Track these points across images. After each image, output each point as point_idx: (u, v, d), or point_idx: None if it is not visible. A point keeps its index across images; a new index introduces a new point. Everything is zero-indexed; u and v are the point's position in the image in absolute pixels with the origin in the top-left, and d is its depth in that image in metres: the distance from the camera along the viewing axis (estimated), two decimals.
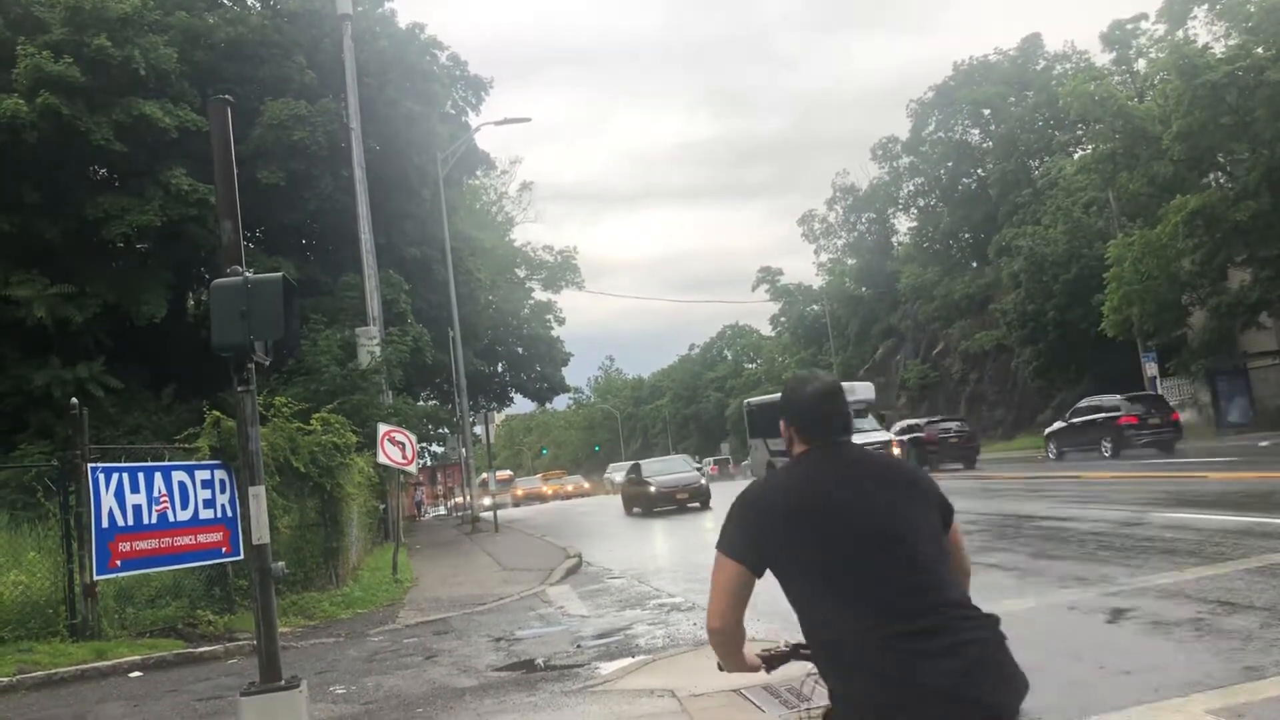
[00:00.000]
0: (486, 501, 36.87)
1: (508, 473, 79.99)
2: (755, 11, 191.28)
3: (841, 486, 3.01)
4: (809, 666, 3.33)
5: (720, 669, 3.33)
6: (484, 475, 42.70)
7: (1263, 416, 33.61)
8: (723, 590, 3.12)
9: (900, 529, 2.96)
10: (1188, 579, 9.79)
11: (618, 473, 53.32)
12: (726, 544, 3.09)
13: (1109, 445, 30.19)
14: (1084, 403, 32.01)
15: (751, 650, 3.35)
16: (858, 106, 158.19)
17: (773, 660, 3.44)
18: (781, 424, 3.25)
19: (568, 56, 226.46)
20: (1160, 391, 37.52)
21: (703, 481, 30.85)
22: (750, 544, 3.05)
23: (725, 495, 26.61)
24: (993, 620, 2.98)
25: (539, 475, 76.42)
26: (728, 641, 3.24)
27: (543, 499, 60.85)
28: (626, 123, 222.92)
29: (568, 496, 63.33)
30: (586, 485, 72.88)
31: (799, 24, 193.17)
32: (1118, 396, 32.18)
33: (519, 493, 62.16)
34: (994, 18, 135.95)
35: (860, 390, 33.81)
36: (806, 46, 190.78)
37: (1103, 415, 31.33)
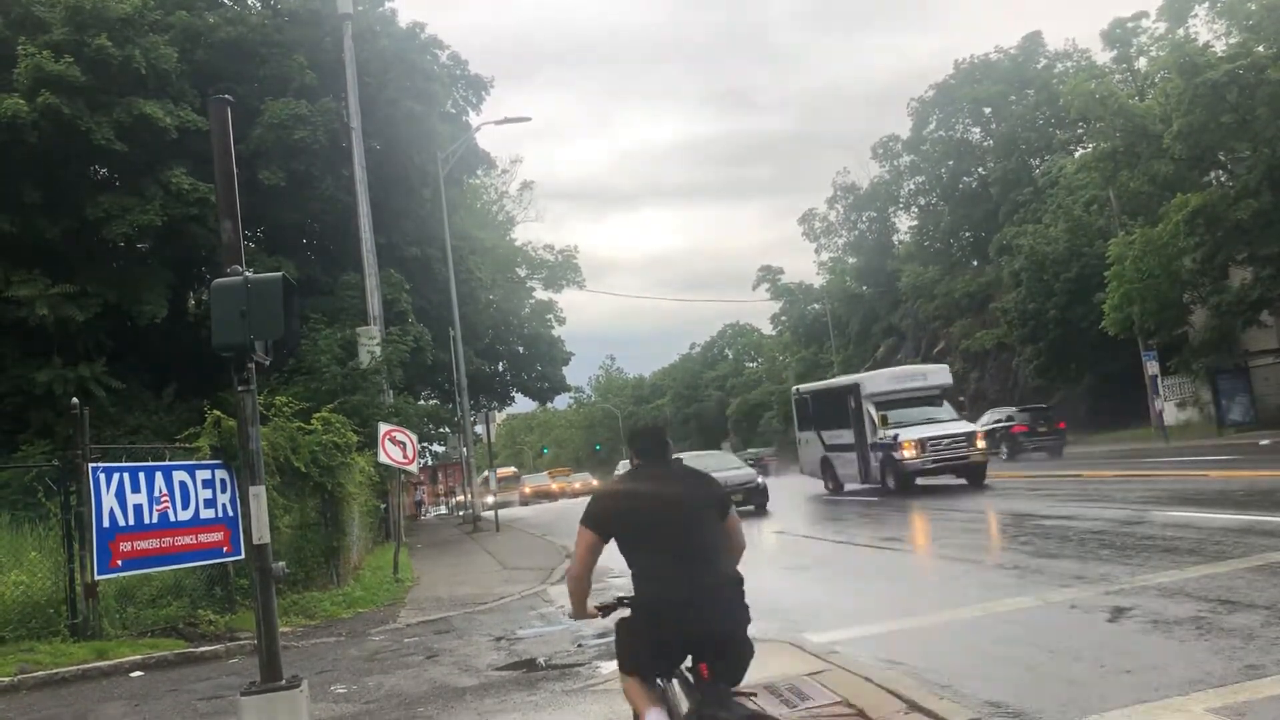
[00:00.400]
0: (489, 500, 36.38)
1: (511, 469, 78.10)
2: (759, 8, 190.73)
3: (652, 489, 4.83)
4: (808, 666, 3.57)
5: (570, 617, 4.99)
6: (484, 474, 42.56)
7: (1264, 415, 33.58)
8: (582, 551, 4.95)
9: (684, 517, 4.74)
10: (1188, 577, 9.79)
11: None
12: (588, 518, 4.89)
13: (1005, 449, 34.88)
14: (988, 414, 34.68)
15: (591, 603, 5.17)
16: (862, 104, 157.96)
17: (605, 609, 5.06)
18: (625, 447, 5.18)
19: (570, 55, 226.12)
20: (1161, 391, 37.51)
21: (760, 480, 26.04)
22: (600, 521, 4.87)
23: None
24: (736, 578, 4.80)
25: (545, 472, 74.65)
26: (579, 590, 5.13)
27: (551, 496, 59.55)
28: (629, 121, 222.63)
29: (575, 494, 60.97)
30: (595, 482, 70.54)
31: (802, 21, 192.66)
32: (1014, 408, 39.53)
33: (526, 490, 60.63)
34: (1001, 14, 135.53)
35: (934, 375, 28.35)
36: (810, 44, 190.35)
37: (1000, 424, 36.61)
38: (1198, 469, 21.76)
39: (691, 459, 28.97)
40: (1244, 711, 5.82)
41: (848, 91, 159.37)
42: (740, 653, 4.74)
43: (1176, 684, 6.43)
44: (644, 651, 4.73)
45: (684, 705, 4.77)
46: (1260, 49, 28.61)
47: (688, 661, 4.74)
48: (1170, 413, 38.58)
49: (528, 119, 48.23)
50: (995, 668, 7.54)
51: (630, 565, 4.83)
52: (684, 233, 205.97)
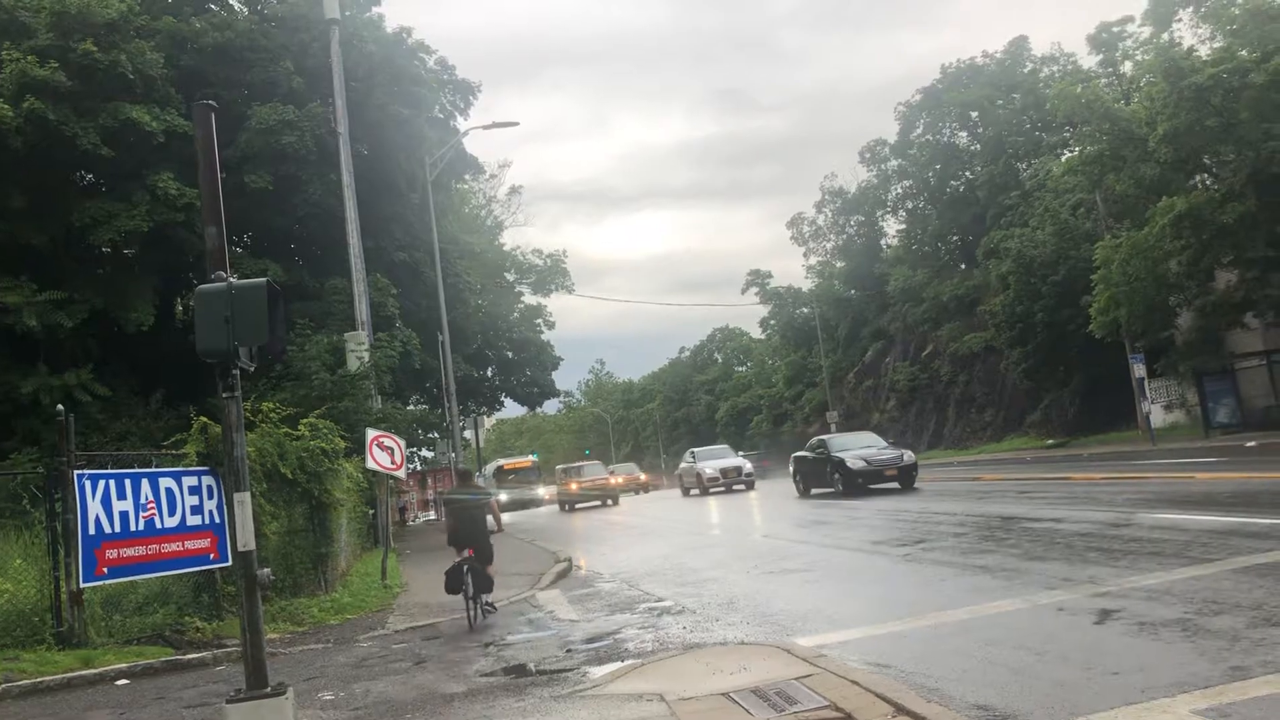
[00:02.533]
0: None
1: (528, 459, 63.17)
2: (760, 8, 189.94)
3: (460, 495, 13.58)
4: (796, 670, 3.58)
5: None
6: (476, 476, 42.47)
7: (1250, 417, 33.73)
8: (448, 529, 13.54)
9: (466, 510, 13.13)
10: (1175, 579, 9.82)
11: (707, 461, 43.29)
12: (444, 502, 15.45)
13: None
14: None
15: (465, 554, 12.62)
16: (863, 104, 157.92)
17: (451, 571, 12.69)
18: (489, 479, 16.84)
19: (572, 56, 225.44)
20: (1148, 393, 37.63)
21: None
22: (446, 505, 14.12)
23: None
24: (483, 528, 13.11)
25: (595, 461, 55.64)
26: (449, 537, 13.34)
27: (608, 496, 43.33)
28: (629, 122, 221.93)
29: (638, 490, 52.56)
30: (643, 477, 58.37)
31: (805, 21, 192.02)
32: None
33: (574, 487, 44.03)
34: (1003, 13, 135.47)
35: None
36: (812, 44, 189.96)
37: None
38: (1184, 471, 21.84)
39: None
40: (1229, 713, 5.84)
41: (849, 92, 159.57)
42: (482, 547, 12.77)
43: (1163, 686, 6.46)
44: (454, 546, 12.86)
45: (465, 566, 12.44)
46: (1244, 53, 28.76)
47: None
48: (1157, 415, 38.74)
49: (515, 123, 48.79)
50: (983, 670, 7.55)
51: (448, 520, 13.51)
52: (683, 234, 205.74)
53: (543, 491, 54.28)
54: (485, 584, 12.52)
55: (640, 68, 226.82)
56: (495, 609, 13.00)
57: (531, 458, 65.47)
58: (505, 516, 45.11)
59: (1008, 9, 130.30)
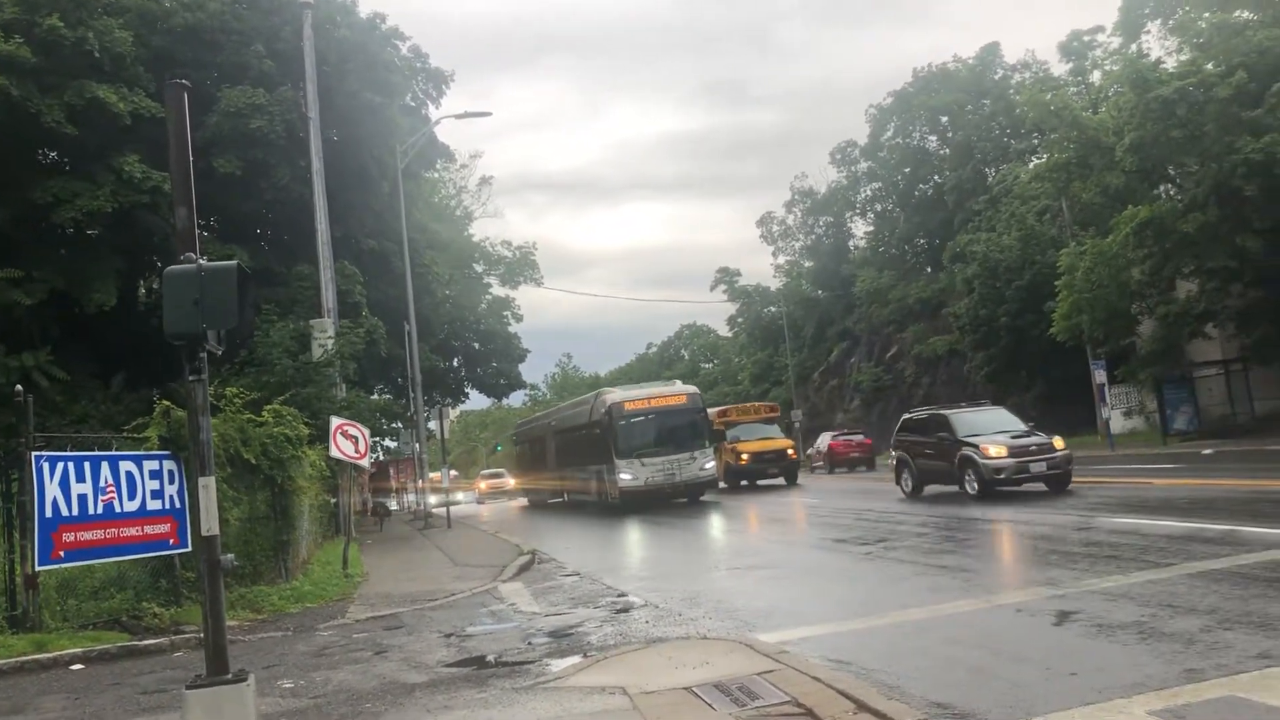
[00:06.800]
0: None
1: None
2: (762, 2, 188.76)
3: None
4: (759, 666, 3.55)
5: None
6: (435, 474, 41.83)
7: (1207, 425, 34.22)
8: None
9: None
10: (1132, 583, 9.96)
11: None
12: None
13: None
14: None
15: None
16: (856, 102, 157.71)
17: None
18: None
19: (569, 43, 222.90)
20: (1108, 399, 38.07)
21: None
22: None
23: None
24: None
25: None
26: None
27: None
28: (618, 112, 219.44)
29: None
30: (511, 483, 55.38)
31: (803, 15, 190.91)
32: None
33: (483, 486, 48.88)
34: (998, 12, 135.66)
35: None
36: (808, 38, 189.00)
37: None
38: (1142, 477, 22.14)
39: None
40: (1184, 714, 5.94)
41: (842, 88, 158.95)
42: None
43: (1119, 687, 6.55)
44: None
45: None
46: (1209, 66, 29.15)
47: None
48: (1117, 421, 39.21)
49: (488, 113, 47.72)
50: (943, 669, 7.62)
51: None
52: (666, 228, 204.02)
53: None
54: None
55: (637, 57, 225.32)
56: None
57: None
58: (466, 509, 45.16)
59: (1006, 10, 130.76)
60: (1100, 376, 37.42)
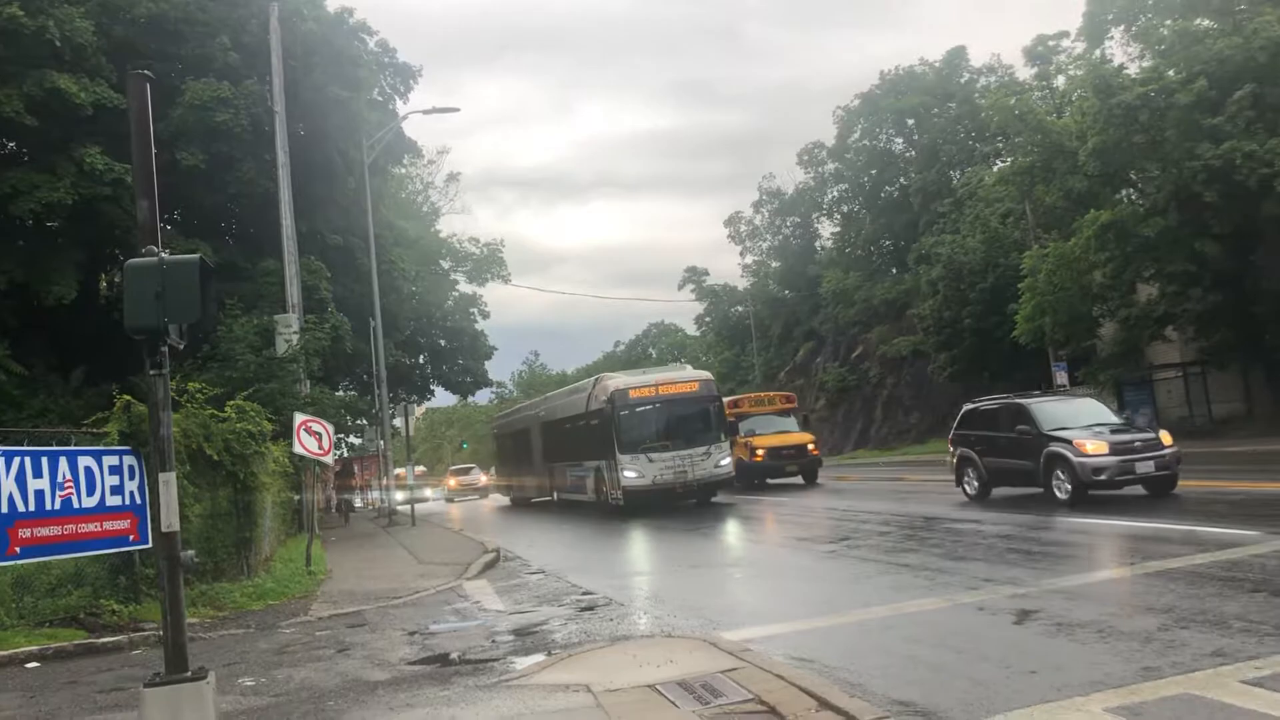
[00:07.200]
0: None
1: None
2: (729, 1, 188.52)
3: None
4: (722, 664, 3.52)
5: None
6: (400, 470, 41.51)
7: (1166, 427, 34.54)
8: None
9: None
10: (1091, 582, 10.09)
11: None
12: None
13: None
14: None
15: None
16: (824, 103, 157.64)
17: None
18: None
19: (539, 40, 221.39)
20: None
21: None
22: None
23: None
24: None
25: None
26: None
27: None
28: (588, 110, 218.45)
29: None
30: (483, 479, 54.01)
31: (773, 16, 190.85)
32: None
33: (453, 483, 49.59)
34: (968, 15, 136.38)
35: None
36: (778, 39, 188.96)
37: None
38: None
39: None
40: (1140, 711, 6.03)
41: (812, 89, 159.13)
42: None
43: (1078, 685, 6.63)
44: None
45: None
46: (1171, 73, 29.52)
47: None
48: None
49: (456, 109, 48.32)
50: (904, 667, 7.68)
51: None
52: (634, 226, 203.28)
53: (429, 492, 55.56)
54: None
55: (606, 54, 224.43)
56: None
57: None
58: (431, 507, 44.72)
59: (974, 14, 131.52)
60: (1062, 378, 37.83)
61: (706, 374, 28.62)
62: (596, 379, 28.97)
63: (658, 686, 7.32)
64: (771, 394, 39.58)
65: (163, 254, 6.29)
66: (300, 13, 30.89)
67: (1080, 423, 17.84)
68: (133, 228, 6.56)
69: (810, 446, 32.24)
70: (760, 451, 31.33)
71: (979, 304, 44.55)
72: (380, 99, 37.42)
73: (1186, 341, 35.51)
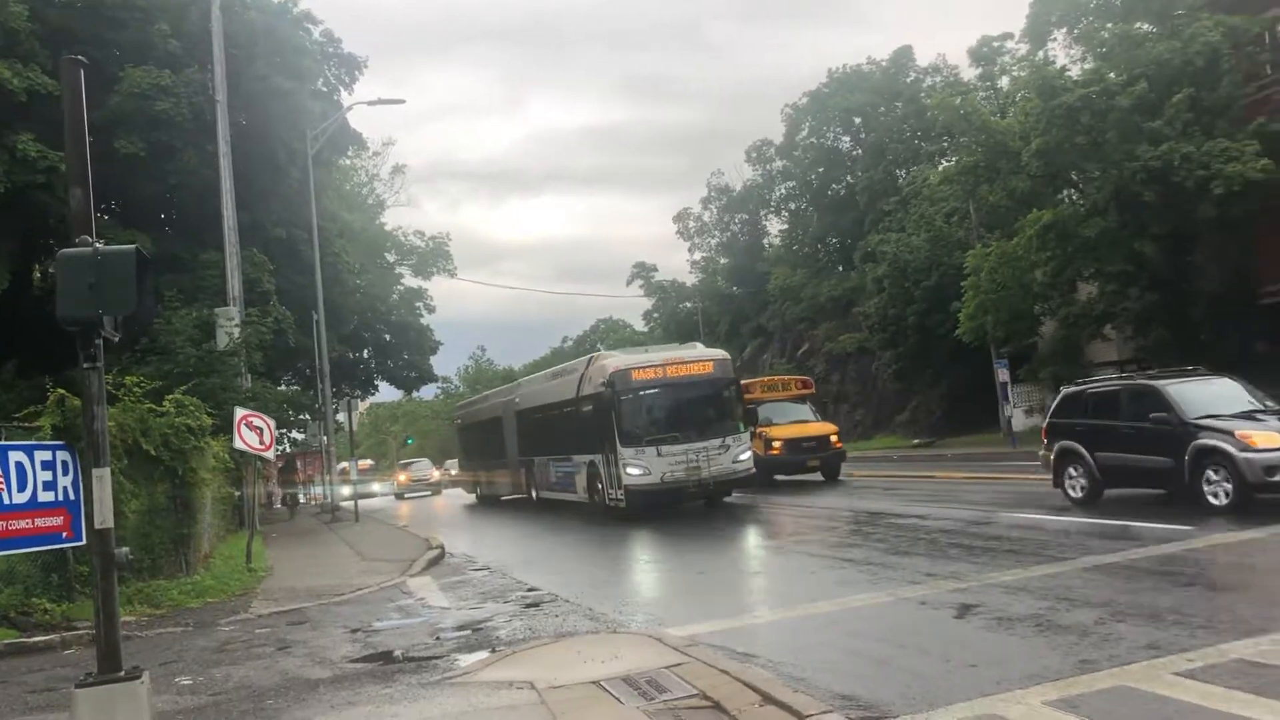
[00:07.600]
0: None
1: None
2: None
3: None
4: (668, 659, 3.51)
5: None
6: (344, 464, 41.03)
7: None
8: None
9: None
10: (1031, 576, 10.23)
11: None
12: None
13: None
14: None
15: None
16: (777, 100, 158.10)
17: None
18: None
19: (491, 32, 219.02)
20: (1011, 398, 39.02)
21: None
22: None
23: None
24: None
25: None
26: None
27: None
28: (541, 103, 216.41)
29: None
30: (435, 474, 53.67)
31: (731, 13, 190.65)
32: None
33: (403, 478, 49.31)
34: (926, 15, 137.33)
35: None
36: (736, 37, 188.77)
37: None
38: (1042, 473, 22.72)
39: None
40: (1077, 704, 6.12)
41: (766, 86, 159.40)
42: None
43: (1016, 678, 6.72)
44: None
45: None
46: (1112, 75, 30.02)
47: None
48: (1019, 418, 40.23)
49: (401, 101, 47.19)
50: (848, 661, 7.73)
51: None
52: (585, 220, 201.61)
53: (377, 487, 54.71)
54: None
55: (559, 48, 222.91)
56: None
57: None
58: (374, 503, 44.19)
59: (924, 14, 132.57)
60: (1003, 375, 38.39)
61: (722, 353, 24.54)
62: (591, 358, 24.86)
63: (602, 683, 7.30)
64: (786, 378, 35.58)
65: (97, 244, 6.14)
66: (243, 1, 30.39)
67: (1230, 408, 14.44)
68: (67, 217, 6.40)
69: (833, 438, 28.40)
70: (777, 444, 27.37)
71: (923, 302, 45.03)
72: (325, 90, 36.92)
73: (1125, 340, 36.20)
